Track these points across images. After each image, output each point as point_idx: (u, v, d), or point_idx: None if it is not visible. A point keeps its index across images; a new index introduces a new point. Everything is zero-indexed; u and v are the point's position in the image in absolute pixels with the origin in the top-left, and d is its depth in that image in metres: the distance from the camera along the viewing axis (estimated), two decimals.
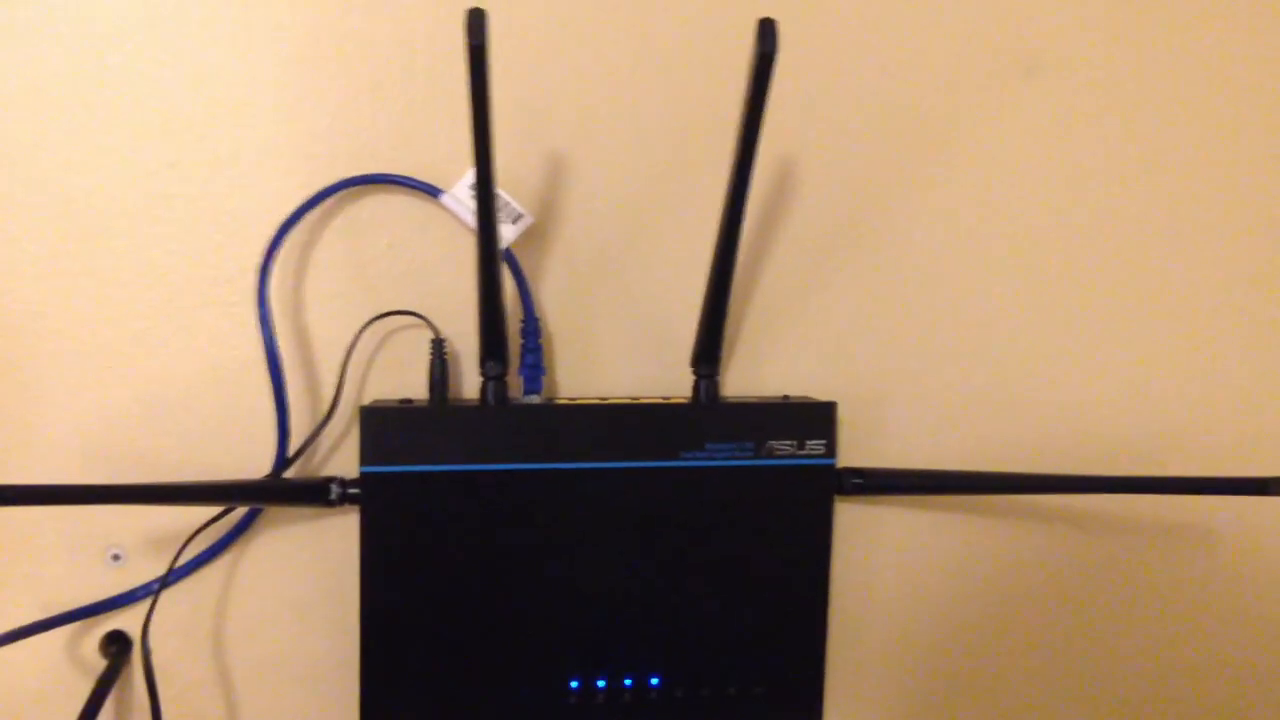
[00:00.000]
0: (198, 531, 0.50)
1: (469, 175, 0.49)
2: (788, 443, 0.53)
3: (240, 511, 0.52)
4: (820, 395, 0.56)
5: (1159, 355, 0.61)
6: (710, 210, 0.50)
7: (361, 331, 0.52)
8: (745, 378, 0.58)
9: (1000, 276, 0.59)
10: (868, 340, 0.58)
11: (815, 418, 0.54)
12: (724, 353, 0.57)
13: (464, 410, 0.52)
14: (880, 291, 0.58)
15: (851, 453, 0.58)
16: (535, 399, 0.53)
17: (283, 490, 0.51)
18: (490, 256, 0.48)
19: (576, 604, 0.52)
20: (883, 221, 0.58)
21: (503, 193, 0.53)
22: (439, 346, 0.52)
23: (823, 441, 0.54)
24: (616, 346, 0.56)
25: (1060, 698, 0.62)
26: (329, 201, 0.52)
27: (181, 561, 0.51)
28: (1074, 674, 0.62)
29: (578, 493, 0.52)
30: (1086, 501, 0.61)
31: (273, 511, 0.53)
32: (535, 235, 0.55)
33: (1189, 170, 0.61)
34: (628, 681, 0.53)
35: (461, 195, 0.52)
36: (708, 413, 0.53)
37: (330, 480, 0.50)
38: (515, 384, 0.54)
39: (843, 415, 0.58)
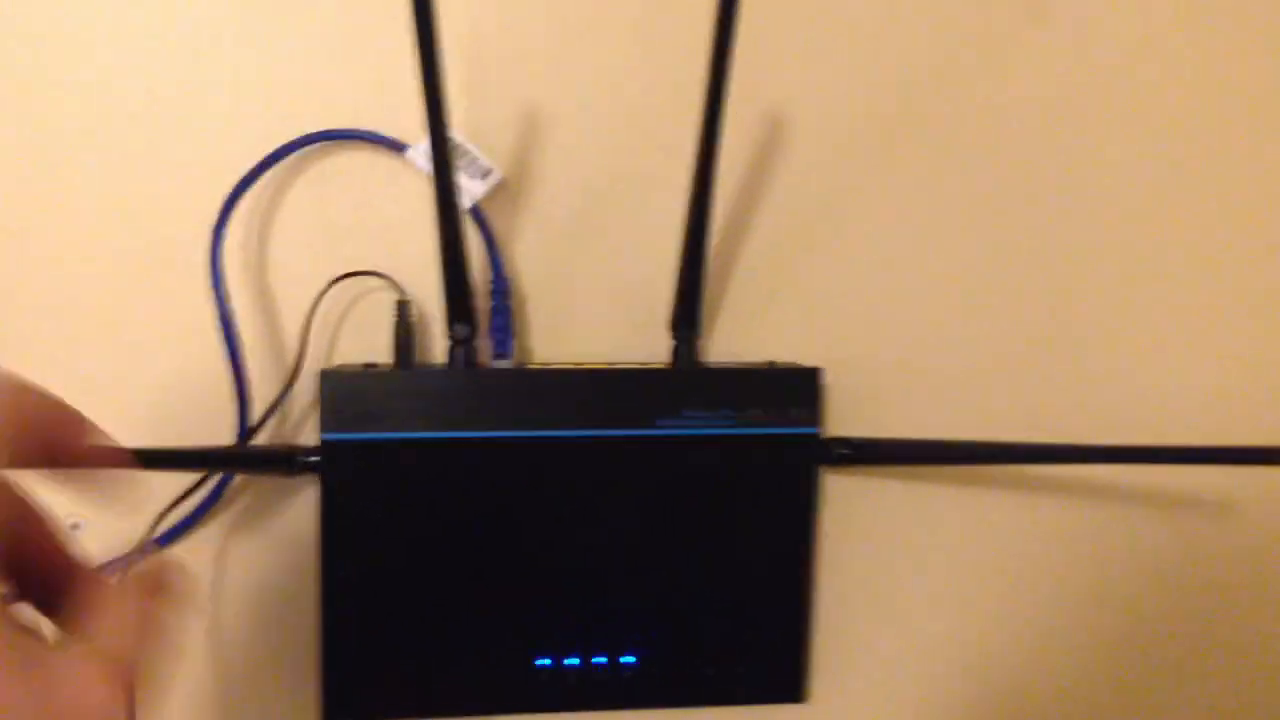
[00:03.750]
0: (177, 501, 0.48)
1: None
2: (769, 411, 0.50)
3: (205, 490, 0.50)
4: (809, 364, 0.52)
5: (1175, 325, 0.57)
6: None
7: (324, 293, 0.50)
8: (730, 344, 0.55)
9: (1004, 241, 0.56)
10: (861, 306, 0.55)
11: (799, 385, 0.51)
12: (707, 318, 0.54)
13: (428, 374, 0.50)
14: (875, 255, 0.55)
15: (844, 425, 0.55)
16: (505, 363, 0.51)
17: (246, 457, 0.49)
18: (449, 210, 0.46)
19: (547, 578, 0.50)
20: (877, 181, 0.55)
21: (470, 146, 0.51)
22: (404, 308, 0.50)
23: (806, 410, 0.51)
24: (592, 310, 0.54)
25: (1071, 688, 0.58)
26: (291, 158, 0.50)
27: (150, 534, 0.49)
28: (1085, 663, 0.58)
29: (548, 462, 0.49)
30: (1098, 477, 0.57)
31: (237, 489, 0.51)
32: (507, 193, 0.52)
33: (1206, 134, 0.57)
34: (600, 660, 0.51)
35: (428, 151, 0.50)
36: (685, 378, 0.50)
37: (294, 449, 0.49)
38: (487, 349, 0.51)
39: (835, 385, 0.54)
